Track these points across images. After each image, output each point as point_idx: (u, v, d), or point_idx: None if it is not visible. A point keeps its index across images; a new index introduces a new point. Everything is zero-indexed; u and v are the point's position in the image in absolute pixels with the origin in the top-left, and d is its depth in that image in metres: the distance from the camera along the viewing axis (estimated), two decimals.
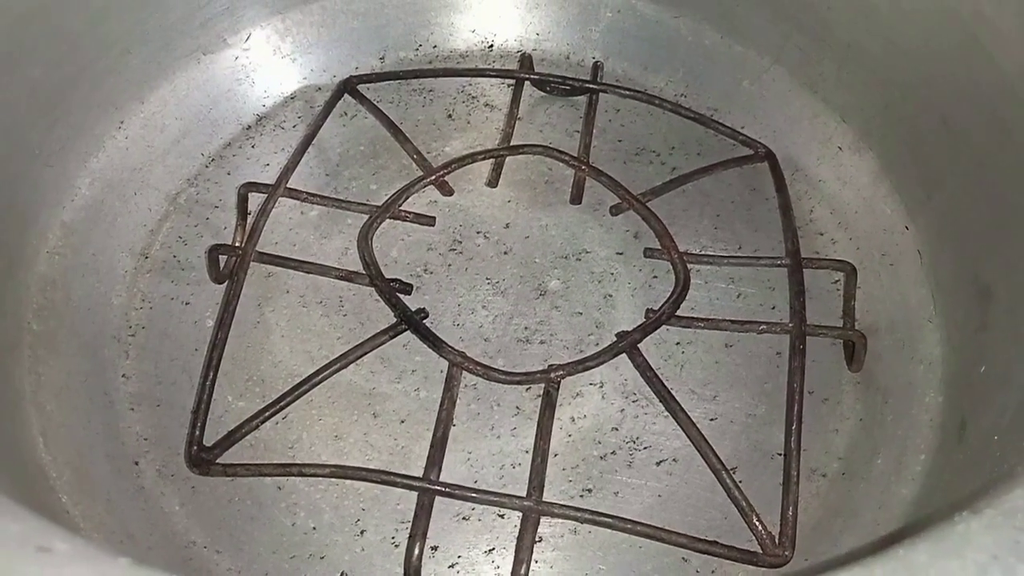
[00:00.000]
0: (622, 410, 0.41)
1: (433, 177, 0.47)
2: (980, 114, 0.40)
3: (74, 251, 0.44)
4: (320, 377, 0.40)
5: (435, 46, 0.55)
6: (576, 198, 0.48)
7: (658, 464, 0.40)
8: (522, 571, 0.35)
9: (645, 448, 0.40)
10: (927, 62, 0.43)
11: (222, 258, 0.44)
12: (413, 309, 0.42)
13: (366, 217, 0.46)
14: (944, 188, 0.43)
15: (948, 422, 0.39)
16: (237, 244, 0.45)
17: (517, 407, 0.41)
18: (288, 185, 0.47)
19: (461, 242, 0.46)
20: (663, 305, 0.42)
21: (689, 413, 0.40)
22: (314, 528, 0.38)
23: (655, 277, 0.45)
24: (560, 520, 0.38)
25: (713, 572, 0.37)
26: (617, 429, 0.41)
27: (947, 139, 0.43)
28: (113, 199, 0.46)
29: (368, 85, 0.52)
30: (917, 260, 0.45)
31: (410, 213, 0.47)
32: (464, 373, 0.41)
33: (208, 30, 0.50)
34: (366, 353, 0.41)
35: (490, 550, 0.38)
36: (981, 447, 0.35)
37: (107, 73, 0.46)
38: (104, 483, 0.39)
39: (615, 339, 0.42)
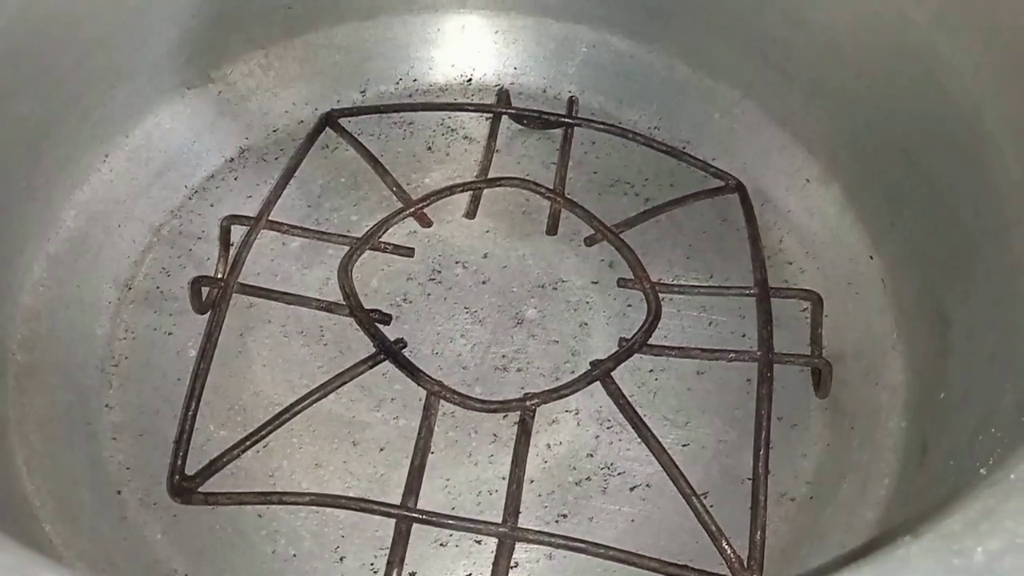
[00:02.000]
0: (596, 436, 0.42)
1: (412, 209, 0.48)
2: (939, 147, 0.42)
3: (59, 282, 0.44)
4: (301, 406, 0.41)
5: (415, 80, 0.56)
6: (552, 229, 0.49)
7: (631, 490, 0.41)
8: None
9: (619, 474, 0.41)
10: (888, 97, 0.45)
11: (204, 289, 0.45)
12: (392, 339, 0.43)
13: (347, 248, 0.47)
14: (906, 218, 0.45)
15: (910, 447, 0.40)
16: (219, 275, 0.46)
17: (494, 434, 0.42)
18: (270, 217, 0.47)
19: (440, 272, 0.48)
20: (636, 334, 0.44)
21: (661, 439, 0.41)
22: (294, 555, 0.39)
23: (629, 306, 0.47)
24: (536, 545, 0.39)
25: None
26: (592, 455, 0.42)
27: (909, 171, 0.44)
28: (97, 231, 0.47)
29: (349, 118, 0.53)
30: (881, 289, 0.46)
31: (390, 244, 0.48)
32: (442, 401, 0.42)
33: (193, 65, 0.51)
34: (346, 383, 0.42)
35: (467, 575, 0.39)
36: (940, 471, 0.36)
37: (93, 107, 0.47)
38: (87, 512, 0.39)
39: (590, 367, 0.43)
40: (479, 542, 0.40)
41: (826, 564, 0.37)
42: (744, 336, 0.46)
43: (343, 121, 0.53)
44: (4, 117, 0.41)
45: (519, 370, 0.44)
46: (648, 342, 0.43)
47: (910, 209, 0.45)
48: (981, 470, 0.28)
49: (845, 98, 0.47)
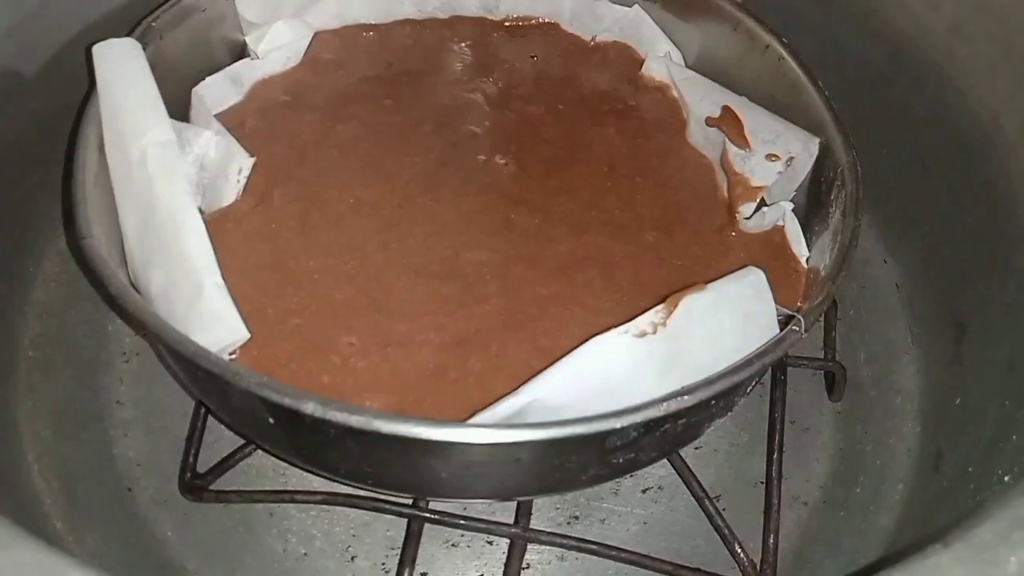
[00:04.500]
0: None
1: None
2: (955, 153, 0.42)
3: (70, 278, 0.44)
4: None
5: None
6: None
7: (643, 492, 0.41)
8: None
9: (631, 476, 0.41)
10: (905, 103, 0.45)
11: None
12: None
13: None
14: (921, 224, 0.45)
15: (925, 452, 0.40)
16: None
17: None
18: None
19: None
20: None
21: None
22: (305, 554, 0.39)
23: None
24: (547, 547, 0.39)
25: None
26: None
27: (925, 177, 0.44)
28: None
29: None
30: (895, 293, 0.46)
31: None
32: None
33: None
34: None
35: None
36: (957, 478, 0.36)
37: None
38: (98, 509, 0.39)
39: None
40: (490, 543, 0.39)
41: (854, 573, 0.36)
42: None
43: None
44: (20, 111, 0.41)
45: None
46: None
47: (925, 215, 0.45)
48: (1005, 478, 0.28)
49: (861, 104, 0.47)
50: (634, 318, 0.30)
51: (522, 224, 0.39)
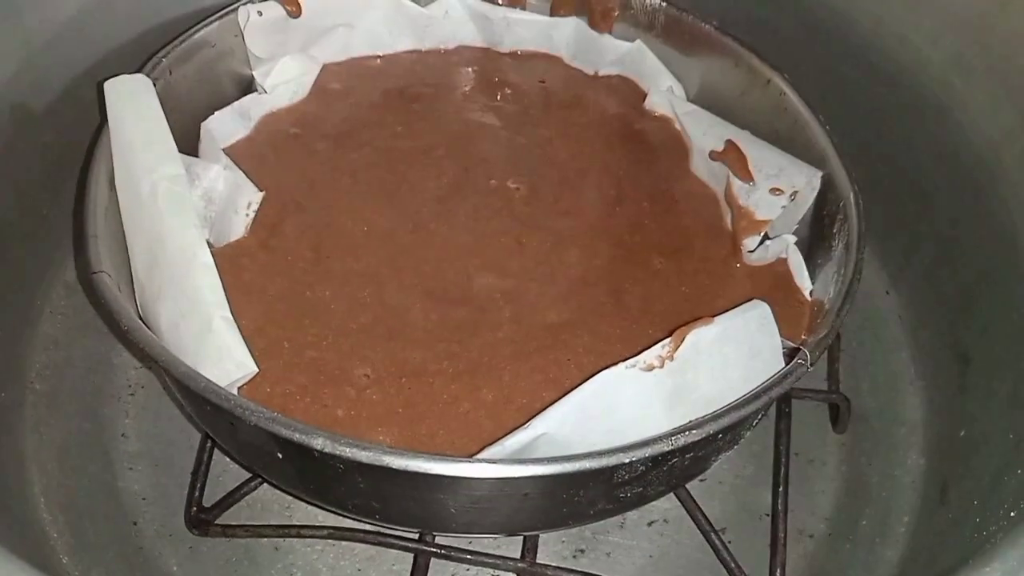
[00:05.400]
0: None
1: None
2: (955, 184, 0.42)
3: (76, 311, 0.44)
4: None
5: None
6: None
7: (649, 525, 0.41)
8: None
9: (637, 509, 0.41)
10: (905, 134, 0.45)
11: None
12: None
13: None
14: (923, 255, 0.45)
15: (930, 484, 0.40)
16: None
17: None
18: None
19: None
20: None
21: None
22: None
23: None
24: None
25: None
26: None
27: (925, 207, 0.44)
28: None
29: None
30: (898, 325, 0.46)
31: None
32: None
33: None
34: None
35: None
36: (963, 510, 0.36)
37: None
38: (103, 543, 0.39)
39: None
40: None
41: None
42: None
43: None
44: (29, 145, 0.41)
45: None
46: None
47: (926, 245, 0.45)
48: (1012, 512, 0.28)
49: (862, 137, 0.48)
50: (642, 349, 0.30)
51: (534, 248, 0.40)
